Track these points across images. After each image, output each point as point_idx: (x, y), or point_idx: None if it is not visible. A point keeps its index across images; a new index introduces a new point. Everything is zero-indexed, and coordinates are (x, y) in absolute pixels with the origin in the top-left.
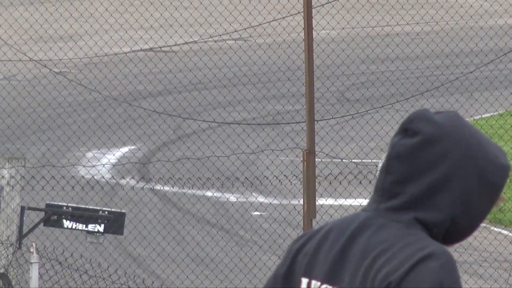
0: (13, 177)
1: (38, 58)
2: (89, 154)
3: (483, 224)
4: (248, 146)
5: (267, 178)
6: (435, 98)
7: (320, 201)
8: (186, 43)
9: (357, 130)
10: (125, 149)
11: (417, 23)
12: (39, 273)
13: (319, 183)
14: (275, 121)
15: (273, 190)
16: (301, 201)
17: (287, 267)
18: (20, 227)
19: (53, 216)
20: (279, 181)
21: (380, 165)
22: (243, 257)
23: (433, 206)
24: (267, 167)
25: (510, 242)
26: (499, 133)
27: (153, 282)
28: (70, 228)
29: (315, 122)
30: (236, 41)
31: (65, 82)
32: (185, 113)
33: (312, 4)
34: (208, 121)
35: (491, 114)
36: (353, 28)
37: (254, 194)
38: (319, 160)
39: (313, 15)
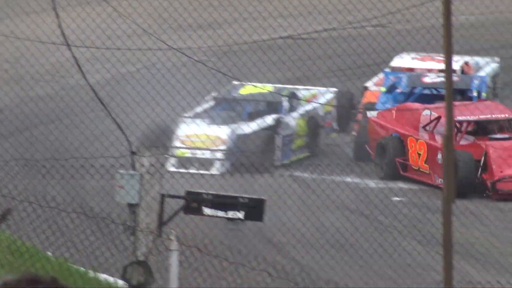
0: (152, 165)
1: (177, 47)
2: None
3: None
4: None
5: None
6: None
7: None
8: (325, 30)
9: None
10: None
11: None
12: (179, 260)
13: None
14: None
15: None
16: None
17: None
18: (160, 215)
19: (193, 204)
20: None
21: None
22: (382, 242)
23: None
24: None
25: None
26: None
27: (292, 268)
28: (210, 216)
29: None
30: (375, 28)
31: (204, 70)
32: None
33: None
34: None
35: None
36: (492, 13)
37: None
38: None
39: (452, 1)
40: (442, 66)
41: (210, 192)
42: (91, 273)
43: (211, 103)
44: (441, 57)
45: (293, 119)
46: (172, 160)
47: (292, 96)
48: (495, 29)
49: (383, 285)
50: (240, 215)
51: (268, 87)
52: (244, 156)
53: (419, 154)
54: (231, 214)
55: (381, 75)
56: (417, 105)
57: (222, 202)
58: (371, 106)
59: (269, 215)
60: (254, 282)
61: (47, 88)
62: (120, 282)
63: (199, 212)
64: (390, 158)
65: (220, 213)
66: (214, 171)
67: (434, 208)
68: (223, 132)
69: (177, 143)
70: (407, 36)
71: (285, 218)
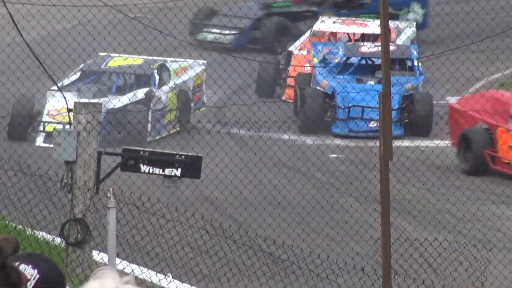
0: (89, 122)
1: (112, 4)
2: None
3: None
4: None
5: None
6: (510, 39)
7: (396, 143)
8: None
9: (433, 71)
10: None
11: None
12: (116, 217)
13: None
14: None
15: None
16: (378, 143)
17: None
18: (97, 172)
19: (130, 161)
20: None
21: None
22: (320, 199)
23: None
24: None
25: None
26: None
27: (230, 226)
28: (147, 173)
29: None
30: None
31: (140, 27)
32: (260, 56)
33: None
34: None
35: None
36: None
37: (330, 136)
38: None
39: None
40: (364, 30)
41: (147, 149)
42: (29, 231)
43: (77, 75)
44: (362, 20)
45: (164, 93)
46: (42, 135)
47: (162, 69)
48: None
49: (320, 242)
50: (177, 172)
51: (138, 60)
52: (116, 131)
53: (511, 147)
54: (168, 171)
55: (302, 39)
56: (506, 93)
57: (159, 159)
58: (305, 75)
59: (206, 172)
60: (192, 239)
61: None
62: (58, 240)
63: (136, 169)
64: (478, 151)
65: (157, 170)
66: None
67: (371, 165)
68: None
69: (45, 117)
70: None
71: (222, 175)
